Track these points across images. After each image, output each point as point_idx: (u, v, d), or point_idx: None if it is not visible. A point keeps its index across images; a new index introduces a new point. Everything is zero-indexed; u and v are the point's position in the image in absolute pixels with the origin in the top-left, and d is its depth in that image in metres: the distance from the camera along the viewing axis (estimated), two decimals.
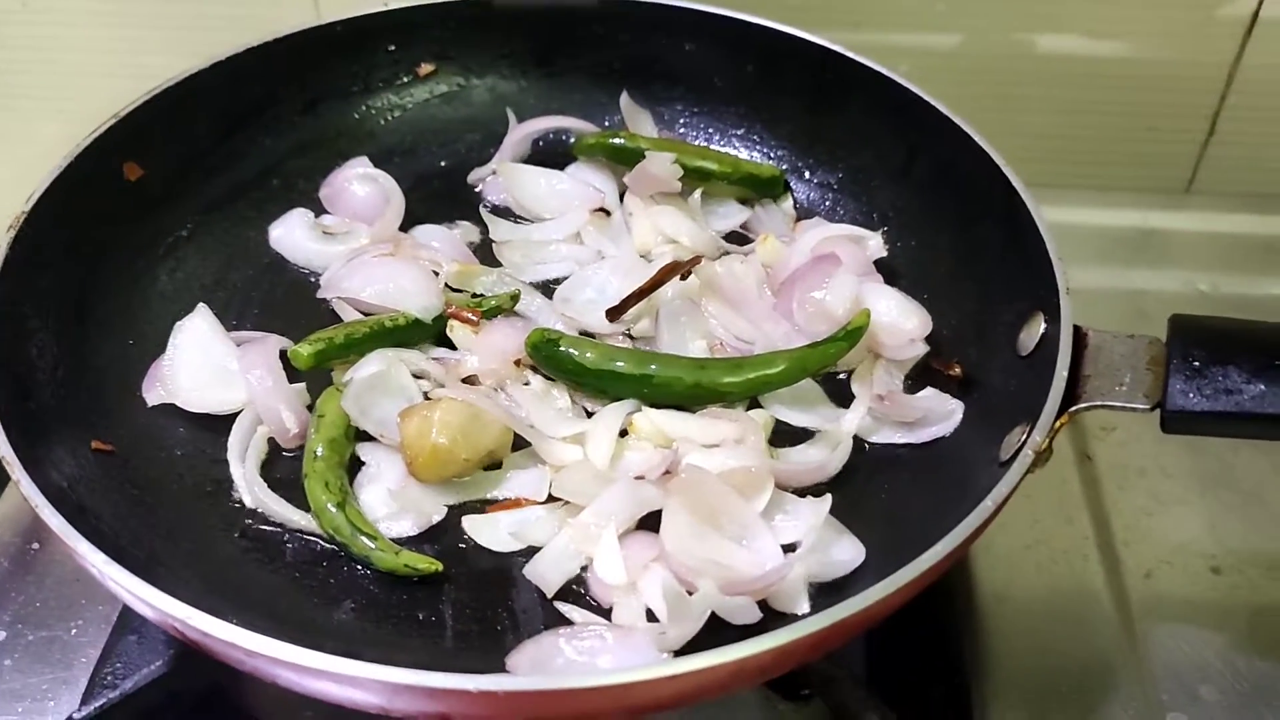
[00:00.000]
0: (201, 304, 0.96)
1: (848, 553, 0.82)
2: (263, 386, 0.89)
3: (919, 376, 0.95)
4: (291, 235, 1.06)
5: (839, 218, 1.10)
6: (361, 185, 1.08)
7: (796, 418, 0.92)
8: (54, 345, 0.88)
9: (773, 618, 0.78)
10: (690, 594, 0.77)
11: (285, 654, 0.64)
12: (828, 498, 0.83)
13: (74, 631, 0.90)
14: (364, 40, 1.13)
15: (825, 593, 0.80)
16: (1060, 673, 0.91)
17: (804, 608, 0.79)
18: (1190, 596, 0.96)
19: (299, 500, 0.85)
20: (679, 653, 0.74)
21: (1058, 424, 0.78)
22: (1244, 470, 1.03)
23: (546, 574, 0.81)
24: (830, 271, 0.96)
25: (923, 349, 0.95)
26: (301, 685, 0.67)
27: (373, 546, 0.81)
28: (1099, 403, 0.80)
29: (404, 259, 1.00)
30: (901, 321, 0.95)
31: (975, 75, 1.29)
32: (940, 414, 0.91)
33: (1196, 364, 0.78)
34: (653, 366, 0.90)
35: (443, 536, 0.85)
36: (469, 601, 0.81)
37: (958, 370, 0.94)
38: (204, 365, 0.92)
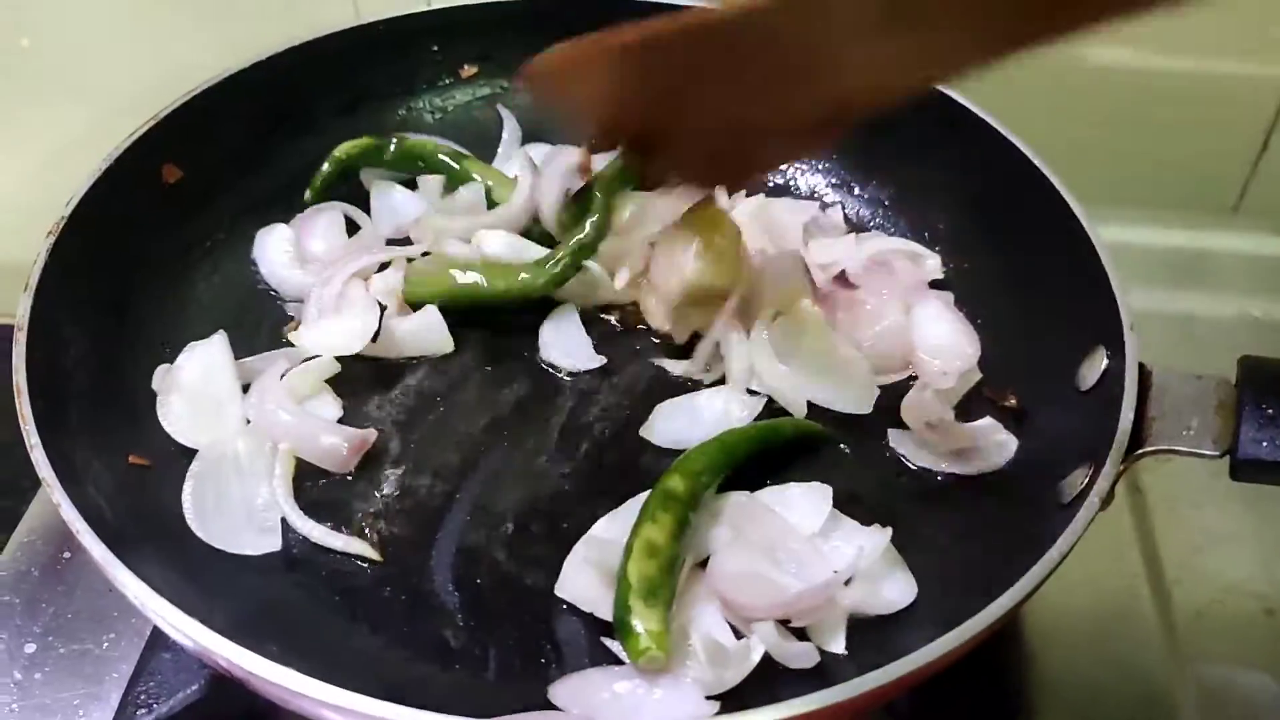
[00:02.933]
0: (220, 333, 0.92)
1: (899, 591, 0.80)
2: (287, 425, 0.86)
3: (971, 406, 0.92)
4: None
5: (890, 235, 1.07)
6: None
7: None
8: (91, 355, 0.86)
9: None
10: (739, 635, 0.76)
11: (333, 697, 0.62)
12: (889, 530, 0.80)
13: (106, 645, 0.89)
14: (407, 40, 1.11)
15: (865, 630, 0.78)
16: (1110, 714, 0.89)
17: (839, 645, 0.77)
18: (1243, 639, 0.94)
19: (338, 519, 0.83)
20: (724, 700, 0.72)
21: (1121, 469, 0.76)
22: None
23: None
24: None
25: (975, 377, 0.93)
26: None
27: None
28: (1165, 447, 0.78)
29: None
30: (955, 347, 0.93)
31: (1024, 86, 1.25)
32: (992, 446, 0.89)
33: (1270, 411, 0.76)
34: None
35: (475, 566, 0.82)
36: (513, 632, 0.79)
37: (1013, 401, 0.91)
38: (202, 396, 0.89)
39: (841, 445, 0.91)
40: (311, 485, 0.86)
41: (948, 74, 0.73)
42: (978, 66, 0.66)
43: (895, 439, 0.91)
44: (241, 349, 0.92)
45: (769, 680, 0.74)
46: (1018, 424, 0.90)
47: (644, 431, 0.90)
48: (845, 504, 0.85)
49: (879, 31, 0.65)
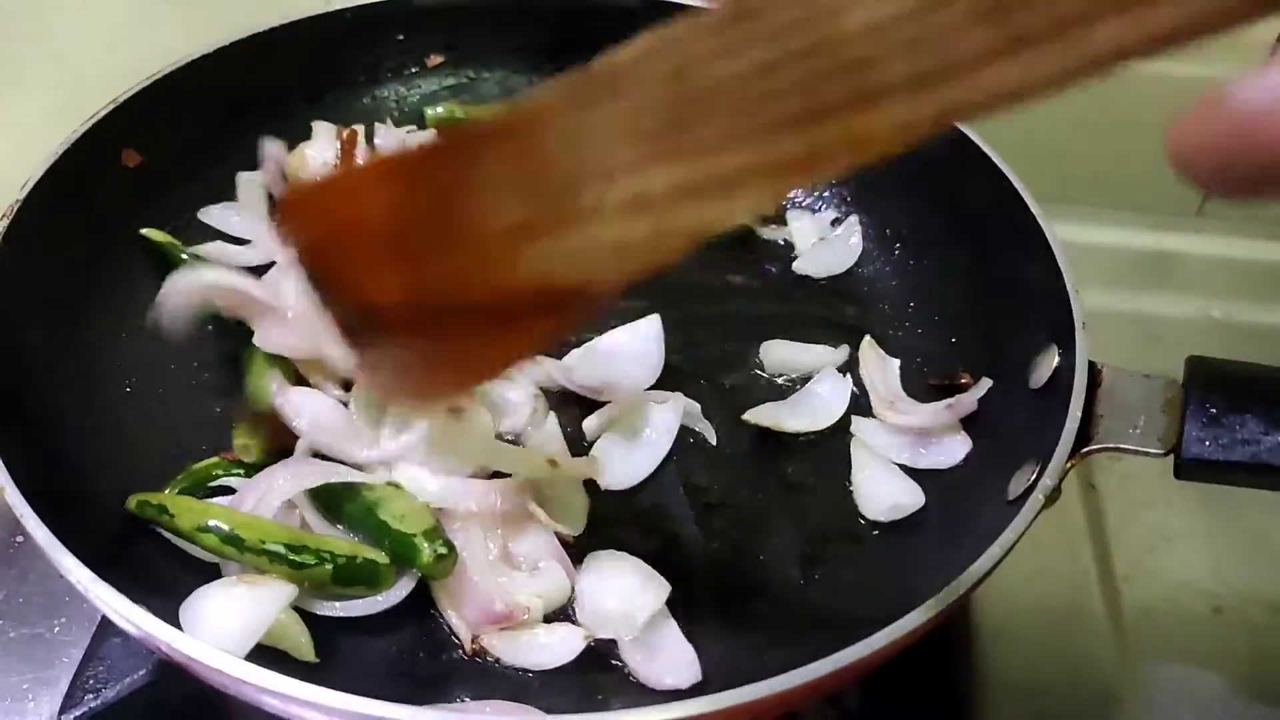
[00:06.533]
0: None
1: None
2: None
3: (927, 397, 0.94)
4: None
5: (852, 228, 1.08)
6: None
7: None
8: (46, 340, 0.85)
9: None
10: None
11: (272, 683, 0.62)
12: None
13: (57, 629, 0.88)
14: (373, 29, 1.11)
15: (804, 619, 0.79)
16: (1058, 711, 0.89)
17: None
18: (1191, 637, 0.94)
19: None
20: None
21: (1068, 465, 0.77)
22: (1250, 508, 1.01)
23: None
24: None
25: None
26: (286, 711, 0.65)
27: None
28: (1111, 445, 0.78)
29: None
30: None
31: None
32: (953, 444, 0.90)
33: (1214, 411, 0.76)
34: None
35: None
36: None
37: (967, 378, 0.92)
38: None
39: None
40: None
41: (729, 215, 0.51)
42: (765, 199, 0.51)
43: (857, 425, 0.92)
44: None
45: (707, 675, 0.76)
46: (969, 423, 0.90)
47: None
48: (795, 490, 0.87)
49: (653, 155, 0.50)
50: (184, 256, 0.96)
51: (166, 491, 0.82)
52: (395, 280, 0.59)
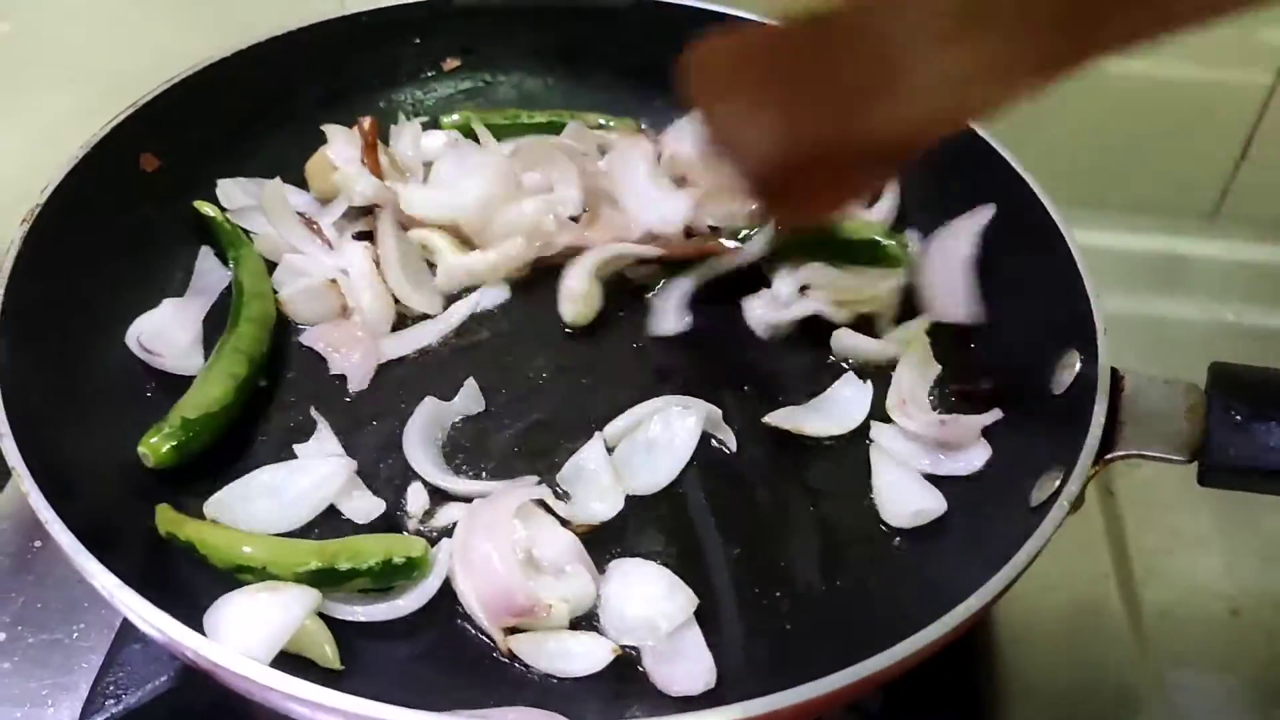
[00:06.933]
0: None
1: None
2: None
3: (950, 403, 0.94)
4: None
5: None
6: None
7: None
8: (65, 345, 0.85)
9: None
10: None
11: (300, 690, 0.62)
12: None
13: (76, 635, 0.88)
14: (389, 32, 1.11)
15: (829, 629, 0.79)
16: (1077, 713, 0.89)
17: None
18: (1208, 639, 0.95)
19: None
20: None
21: (1092, 472, 0.77)
22: (1267, 512, 1.01)
23: None
24: None
25: None
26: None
27: None
28: (1135, 451, 0.78)
29: None
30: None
31: None
32: (973, 450, 0.89)
33: (1238, 418, 0.76)
34: None
35: None
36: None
37: (988, 386, 0.92)
38: None
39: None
40: None
41: (1009, 94, 0.67)
42: (1037, 85, 0.65)
43: (877, 431, 0.92)
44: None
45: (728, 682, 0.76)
46: (991, 428, 0.90)
47: None
48: (816, 496, 0.87)
49: (951, 37, 0.64)
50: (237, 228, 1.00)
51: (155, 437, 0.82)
52: (778, 126, 0.75)
